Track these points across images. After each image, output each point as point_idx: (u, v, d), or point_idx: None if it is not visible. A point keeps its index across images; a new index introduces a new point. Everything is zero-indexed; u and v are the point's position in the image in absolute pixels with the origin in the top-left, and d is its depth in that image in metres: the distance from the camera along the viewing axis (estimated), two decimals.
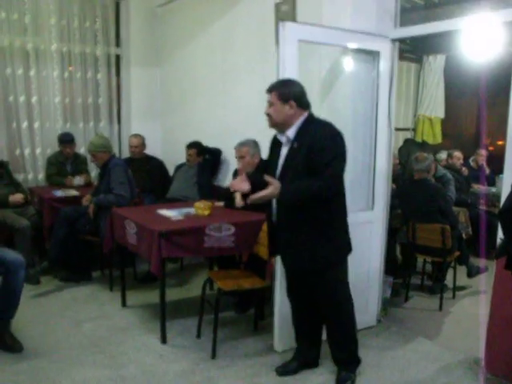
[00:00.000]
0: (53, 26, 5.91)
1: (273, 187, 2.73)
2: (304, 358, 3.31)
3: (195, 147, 5.56)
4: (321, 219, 2.89)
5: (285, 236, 2.97)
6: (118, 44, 6.51)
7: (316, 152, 2.76)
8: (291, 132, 2.90)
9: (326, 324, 3.18)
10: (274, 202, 2.99)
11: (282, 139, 2.96)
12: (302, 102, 2.91)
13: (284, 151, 2.95)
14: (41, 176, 6.05)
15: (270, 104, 2.91)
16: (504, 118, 3.11)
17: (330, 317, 3.13)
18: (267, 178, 2.76)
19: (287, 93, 2.88)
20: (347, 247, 3.03)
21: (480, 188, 6.24)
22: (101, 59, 6.32)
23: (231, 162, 4.42)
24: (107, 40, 6.34)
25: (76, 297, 4.58)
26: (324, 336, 3.27)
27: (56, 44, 5.97)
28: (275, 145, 3.06)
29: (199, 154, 5.56)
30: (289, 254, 3.01)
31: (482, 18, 3.26)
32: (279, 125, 2.93)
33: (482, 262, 5.12)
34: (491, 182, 6.53)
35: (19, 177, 5.83)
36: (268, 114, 2.93)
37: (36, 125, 5.97)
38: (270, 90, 2.92)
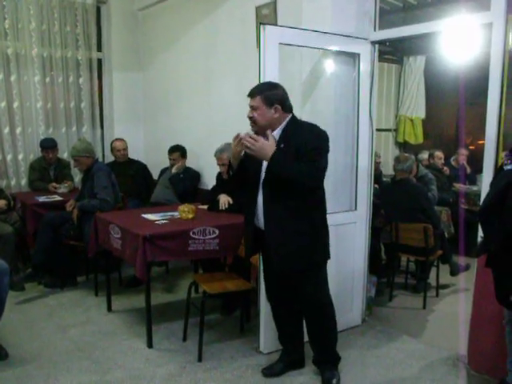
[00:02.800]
0: (33, 30, 5.88)
1: (272, 140, 2.81)
2: (290, 359, 3.34)
3: (177, 150, 5.56)
4: (309, 224, 2.92)
5: (275, 239, 2.94)
6: (99, 48, 6.50)
7: (305, 152, 2.79)
8: (276, 134, 2.92)
9: (309, 325, 3.19)
10: (260, 207, 2.96)
11: None
12: (285, 105, 2.93)
13: None
14: (24, 182, 6.01)
15: (254, 108, 2.90)
16: (484, 117, 3.16)
17: (315, 317, 3.14)
18: (268, 132, 2.84)
19: (272, 97, 2.89)
20: (328, 250, 3.07)
21: (460, 187, 6.31)
22: (82, 64, 6.29)
23: (215, 165, 4.44)
24: (88, 44, 6.31)
25: (61, 302, 4.56)
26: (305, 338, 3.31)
27: (37, 49, 5.93)
28: None
29: (183, 156, 5.56)
30: (279, 256, 2.95)
31: (459, 21, 3.30)
32: (264, 128, 2.91)
33: (461, 260, 5.18)
34: (472, 180, 6.61)
35: (2, 183, 5.80)
36: (251, 118, 2.92)
37: (18, 130, 5.93)
38: (254, 94, 2.91)
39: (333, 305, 3.15)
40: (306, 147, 2.80)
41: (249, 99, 2.94)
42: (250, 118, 2.93)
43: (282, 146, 2.86)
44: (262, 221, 2.98)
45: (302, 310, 3.20)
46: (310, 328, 3.19)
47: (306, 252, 2.94)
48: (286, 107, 2.94)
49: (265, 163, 2.90)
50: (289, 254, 2.93)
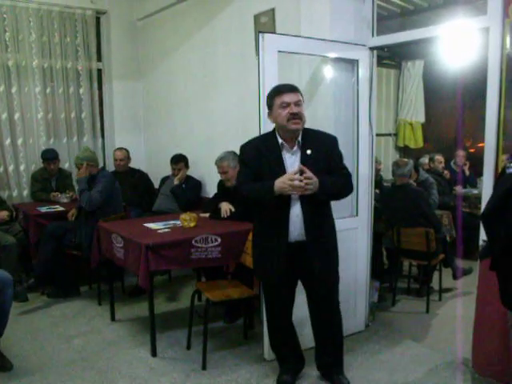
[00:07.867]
0: (33, 42, 5.92)
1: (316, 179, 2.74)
2: (295, 369, 3.28)
3: (182, 160, 5.51)
4: (333, 229, 3.07)
5: (318, 250, 2.93)
6: (99, 58, 6.53)
7: (334, 157, 2.93)
8: (299, 138, 2.89)
9: (325, 329, 3.16)
10: (294, 220, 2.90)
11: (291, 147, 2.87)
12: None
13: (293, 159, 2.87)
14: (25, 193, 6.03)
15: (299, 104, 2.82)
16: (484, 120, 3.16)
17: (333, 321, 3.14)
18: (303, 168, 2.71)
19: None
20: None
21: (458, 190, 6.30)
22: (83, 74, 6.32)
23: (216, 173, 4.44)
24: (88, 55, 6.35)
25: (64, 312, 4.56)
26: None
27: (37, 60, 5.97)
28: (262, 152, 2.91)
29: (186, 165, 5.54)
30: (320, 265, 2.94)
31: (457, 25, 3.32)
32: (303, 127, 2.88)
33: (461, 263, 5.17)
34: (473, 183, 6.61)
35: (4, 194, 5.81)
36: (297, 114, 2.80)
37: (19, 141, 5.95)
38: (297, 89, 2.86)
39: None
40: (332, 154, 2.92)
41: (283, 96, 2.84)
42: (296, 115, 2.79)
43: (309, 152, 2.85)
44: (295, 234, 2.90)
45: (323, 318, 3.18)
46: (327, 333, 3.17)
47: (337, 258, 3.05)
48: None
49: (291, 169, 2.83)
50: (330, 261, 3.02)
